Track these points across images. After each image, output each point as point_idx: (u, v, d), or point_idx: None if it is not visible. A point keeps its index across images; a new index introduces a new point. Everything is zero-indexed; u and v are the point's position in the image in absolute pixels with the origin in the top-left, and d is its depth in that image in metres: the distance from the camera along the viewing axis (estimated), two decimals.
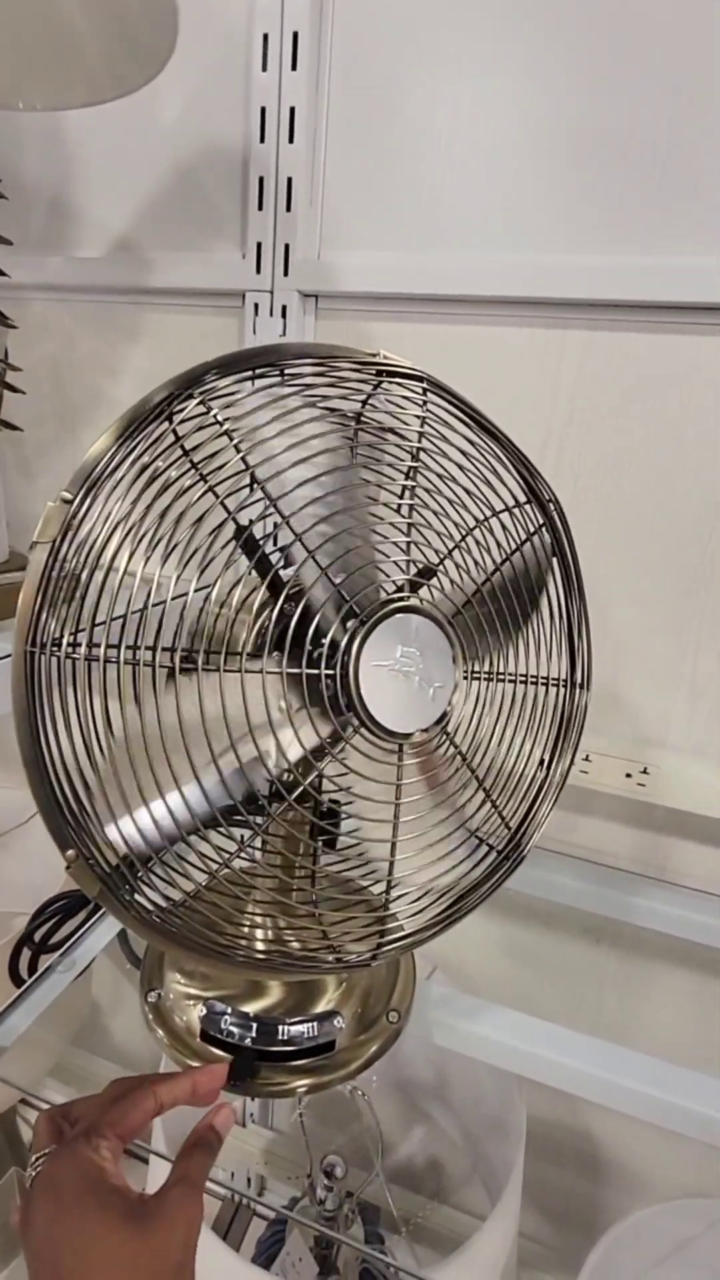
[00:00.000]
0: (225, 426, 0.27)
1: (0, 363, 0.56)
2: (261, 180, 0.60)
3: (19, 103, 0.54)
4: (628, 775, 0.61)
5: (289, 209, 0.60)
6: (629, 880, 0.65)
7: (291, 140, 0.58)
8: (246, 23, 0.57)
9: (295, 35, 0.55)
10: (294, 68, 0.56)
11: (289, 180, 0.59)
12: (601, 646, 0.62)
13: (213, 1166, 0.33)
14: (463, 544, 0.36)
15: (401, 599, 0.32)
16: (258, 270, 0.62)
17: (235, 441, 0.27)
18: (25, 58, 0.51)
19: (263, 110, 0.58)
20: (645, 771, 0.61)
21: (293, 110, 0.57)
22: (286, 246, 0.61)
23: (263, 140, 0.59)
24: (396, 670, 0.31)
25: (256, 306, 0.63)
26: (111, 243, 0.69)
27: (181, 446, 0.29)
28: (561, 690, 0.40)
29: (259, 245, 0.61)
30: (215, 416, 0.27)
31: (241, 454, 0.28)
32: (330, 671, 0.30)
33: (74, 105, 0.54)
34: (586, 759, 0.62)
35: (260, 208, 0.60)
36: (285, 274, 0.61)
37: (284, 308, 0.62)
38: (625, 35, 0.51)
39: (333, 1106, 0.76)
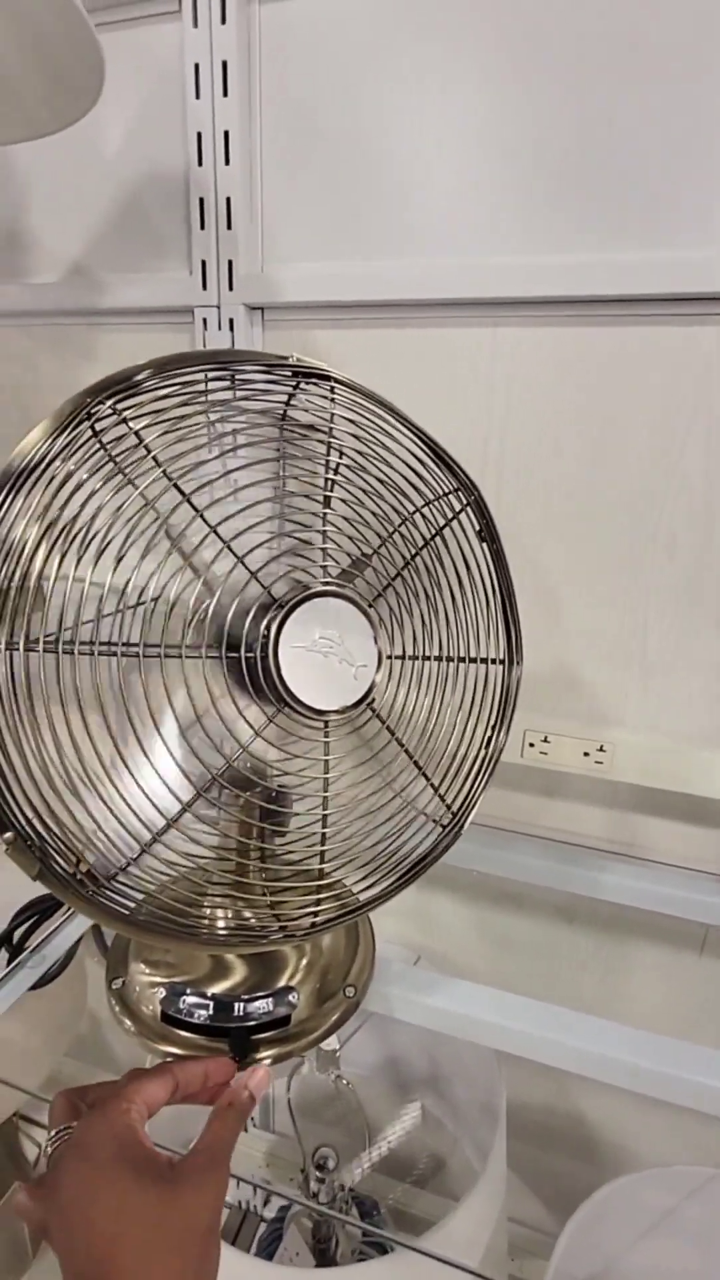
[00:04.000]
0: (137, 430, 0.29)
1: None
2: (202, 201, 0.62)
3: None
4: (585, 754, 0.63)
5: (230, 227, 0.62)
6: (597, 858, 0.67)
7: (228, 162, 0.61)
8: (179, 55, 0.60)
9: (224, 64, 0.58)
10: (225, 94, 0.59)
11: (228, 200, 0.61)
12: (554, 629, 0.65)
13: (242, 1129, 0.33)
14: (392, 538, 0.38)
15: (319, 584, 0.34)
16: (204, 286, 0.64)
17: (146, 442, 0.29)
18: None
19: (199, 135, 0.61)
20: (602, 749, 0.62)
21: (227, 134, 0.60)
22: (230, 262, 0.63)
23: (200, 163, 0.61)
24: (315, 651, 0.33)
25: (205, 321, 0.65)
26: (65, 268, 0.71)
27: (108, 452, 0.31)
28: (494, 668, 0.42)
29: (204, 263, 0.64)
30: (126, 421, 0.29)
31: (152, 453, 0.30)
32: (250, 654, 0.32)
33: (17, 140, 0.56)
34: (545, 740, 0.63)
35: (203, 227, 0.63)
36: (230, 289, 0.64)
37: (231, 321, 0.64)
38: (540, 49, 0.53)
39: (325, 1101, 0.77)
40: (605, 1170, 0.80)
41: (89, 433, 0.31)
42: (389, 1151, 0.73)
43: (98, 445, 0.31)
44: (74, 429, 0.30)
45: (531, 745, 0.64)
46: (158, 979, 0.42)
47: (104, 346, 0.73)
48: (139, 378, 0.31)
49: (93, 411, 0.30)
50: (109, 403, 0.29)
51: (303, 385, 0.36)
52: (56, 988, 0.57)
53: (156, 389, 0.31)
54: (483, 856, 0.67)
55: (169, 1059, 0.38)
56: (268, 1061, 0.41)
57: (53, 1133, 0.31)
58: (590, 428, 0.60)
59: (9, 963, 0.52)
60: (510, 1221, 0.84)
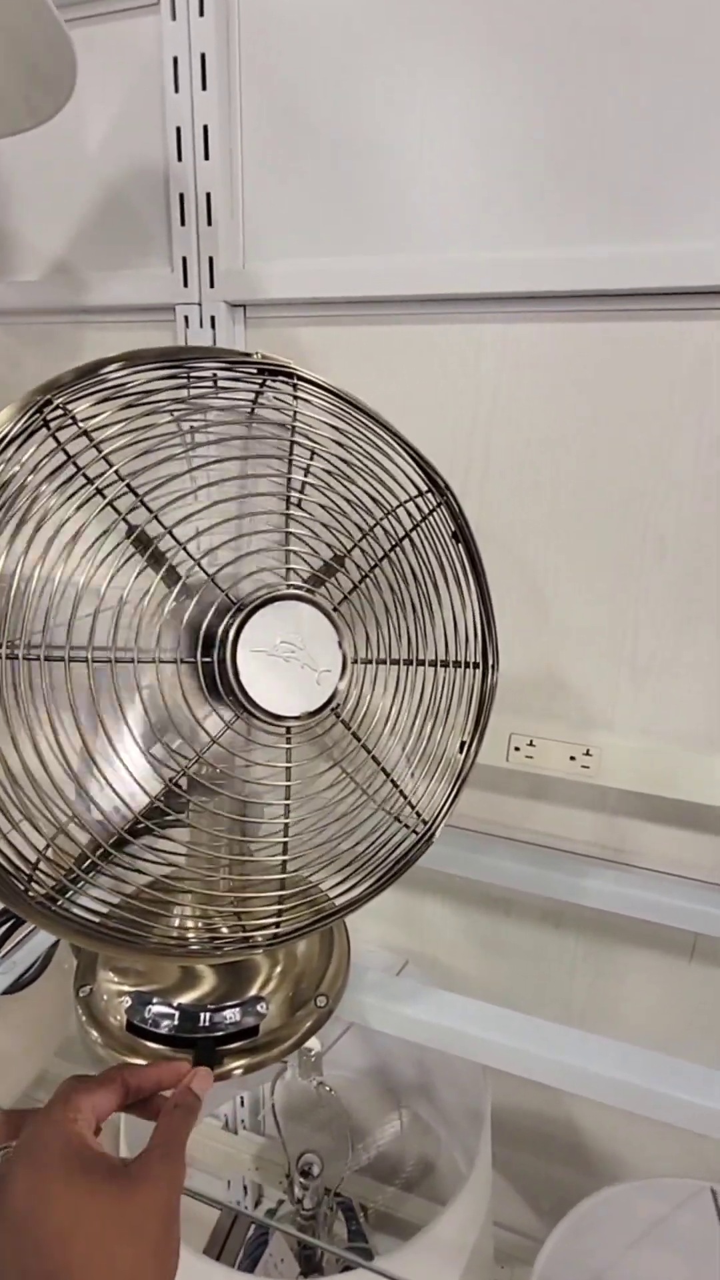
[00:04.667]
0: (85, 426, 0.29)
1: None
2: (182, 197, 0.62)
3: None
4: (571, 758, 0.62)
5: (210, 223, 0.61)
6: (584, 863, 0.66)
7: (207, 157, 0.60)
8: (157, 48, 0.59)
9: (203, 56, 0.57)
10: (204, 87, 0.58)
11: (208, 195, 0.61)
12: (543, 632, 0.64)
13: (193, 1128, 0.33)
14: (362, 543, 0.37)
15: (282, 588, 0.33)
16: (185, 284, 0.64)
17: (95, 442, 0.29)
18: None
19: (178, 130, 0.60)
20: (589, 754, 0.61)
21: (206, 128, 0.59)
22: (211, 259, 0.62)
23: (180, 158, 0.61)
24: (276, 656, 0.32)
25: (187, 319, 0.64)
26: (49, 265, 0.71)
27: (65, 452, 0.30)
28: (472, 672, 0.41)
29: (184, 259, 0.63)
30: (74, 417, 0.29)
31: (104, 454, 0.29)
32: (208, 659, 0.31)
33: None
34: (530, 744, 0.62)
35: (183, 223, 0.62)
36: (211, 285, 0.63)
37: (212, 318, 0.64)
38: (532, 43, 0.52)
39: (309, 1106, 0.76)
40: (594, 1178, 0.79)
41: (44, 432, 0.30)
42: (375, 1156, 0.73)
43: (54, 444, 0.30)
44: (27, 429, 0.29)
45: (517, 749, 0.63)
46: (125, 987, 0.42)
47: (89, 344, 0.72)
48: (95, 375, 0.30)
49: (45, 411, 0.29)
50: (59, 401, 0.29)
51: (270, 383, 0.35)
52: (38, 990, 0.57)
53: (109, 387, 0.30)
54: (468, 861, 0.66)
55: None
56: (238, 1072, 0.40)
57: None
58: (580, 425, 0.58)
59: None
60: (498, 1227, 0.83)
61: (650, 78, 0.51)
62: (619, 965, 0.71)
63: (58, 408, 0.28)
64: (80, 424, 0.29)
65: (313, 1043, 0.49)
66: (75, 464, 0.30)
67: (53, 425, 0.30)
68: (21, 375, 0.75)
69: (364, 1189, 0.81)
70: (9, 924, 0.52)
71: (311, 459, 0.36)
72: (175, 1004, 0.39)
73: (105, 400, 0.30)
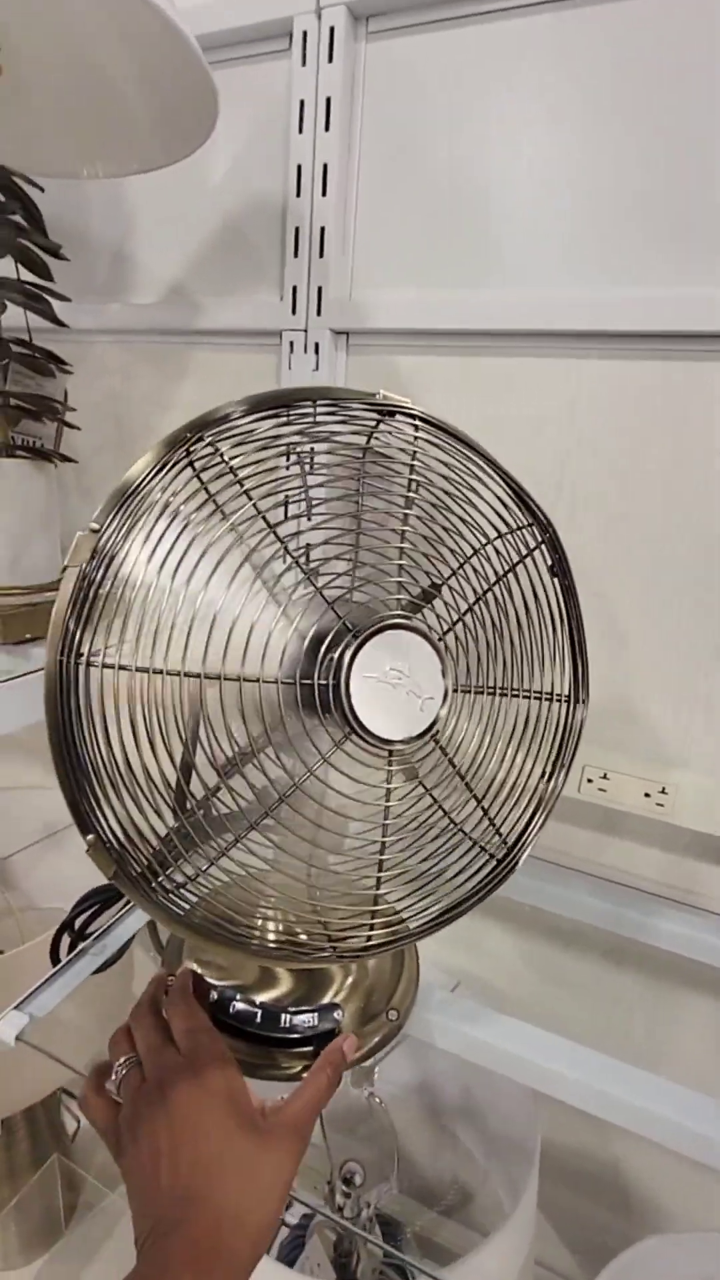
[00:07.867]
0: (231, 463, 0.31)
1: (59, 404, 0.62)
2: (297, 230, 0.65)
3: (84, 171, 0.61)
4: (646, 795, 0.61)
5: (322, 255, 0.64)
6: (652, 902, 0.65)
7: (325, 194, 0.63)
8: (285, 91, 0.62)
9: (328, 100, 0.60)
10: (327, 129, 0.61)
11: (322, 229, 0.64)
12: (617, 666, 0.64)
13: (335, 1090, 0.37)
14: (462, 570, 0.38)
15: (393, 616, 0.34)
16: (293, 311, 0.67)
17: (240, 478, 0.31)
18: (88, 134, 0.58)
19: (299, 168, 0.63)
20: (664, 791, 0.61)
21: (325, 167, 0.62)
22: (319, 289, 0.65)
23: (299, 194, 0.64)
24: (385, 682, 0.34)
25: (292, 344, 0.68)
26: (165, 289, 0.75)
27: (200, 479, 0.33)
28: (560, 705, 0.42)
29: (294, 288, 0.66)
30: (222, 455, 0.31)
31: (245, 489, 0.31)
32: (324, 681, 0.33)
33: (130, 173, 0.60)
34: (604, 777, 0.62)
35: (296, 255, 0.65)
36: (318, 314, 0.66)
37: (317, 345, 0.66)
38: (634, 86, 0.53)
39: (357, 1117, 0.77)
40: (638, 1226, 0.77)
41: (186, 464, 0.32)
42: (417, 1177, 0.73)
43: (193, 475, 0.33)
44: (174, 462, 0.32)
45: (590, 781, 0.62)
46: (209, 979, 0.44)
47: (196, 364, 0.76)
48: (233, 414, 0.33)
49: (191, 447, 0.32)
50: (207, 436, 0.31)
51: (386, 420, 0.37)
52: (108, 976, 0.60)
53: (249, 425, 0.32)
54: (536, 890, 0.66)
55: None
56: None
57: (122, 1060, 0.36)
58: (663, 464, 0.58)
59: (70, 948, 0.55)
60: (538, 1266, 0.82)
61: None
62: (678, 1010, 0.69)
63: (207, 444, 0.31)
64: (223, 455, 0.31)
65: None
66: (210, 495, 0.32)
67: (196, 461, 0.33)
68: (132, 389, 0.80)
69: (402, 1208, 0.82)
70: (95, 907, 0.56)
71: (417, 492, 0.37)
72: (259, 1002, 0.41)
73: (245, 437, 0.32)
